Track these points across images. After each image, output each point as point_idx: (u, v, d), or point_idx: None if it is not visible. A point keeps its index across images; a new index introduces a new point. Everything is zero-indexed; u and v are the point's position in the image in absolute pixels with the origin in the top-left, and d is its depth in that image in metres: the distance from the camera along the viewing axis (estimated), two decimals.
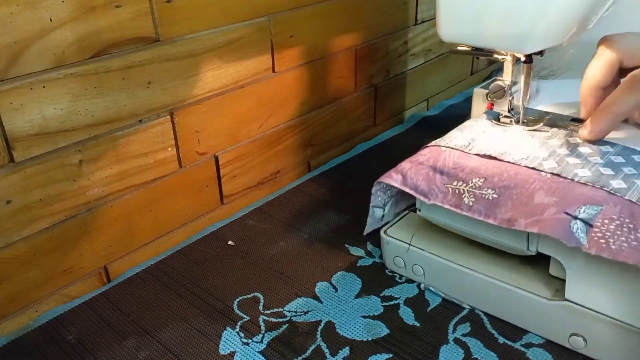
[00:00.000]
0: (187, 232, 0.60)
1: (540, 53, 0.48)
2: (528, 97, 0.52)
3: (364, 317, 0.47)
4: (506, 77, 0.51)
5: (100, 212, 0.52)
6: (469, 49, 0.49)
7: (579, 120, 0.51)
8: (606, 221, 0.39)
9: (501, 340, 0.44)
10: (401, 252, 0.50)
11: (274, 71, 0.64)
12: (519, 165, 0.44)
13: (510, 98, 0.51)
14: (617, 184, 0.41)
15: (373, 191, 0.50)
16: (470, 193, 0.43)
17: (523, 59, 0.48)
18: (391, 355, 0.43)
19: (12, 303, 0.48)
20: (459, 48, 0.49)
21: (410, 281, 0.50)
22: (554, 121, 0.51)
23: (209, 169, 0.61)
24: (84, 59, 0.47)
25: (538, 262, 0.44)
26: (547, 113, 0.53)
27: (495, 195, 0.42)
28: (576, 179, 0.42)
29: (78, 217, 0.50)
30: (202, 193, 0.61)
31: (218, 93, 0.59)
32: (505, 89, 0.51)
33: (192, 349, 0.44)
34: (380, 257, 0.53)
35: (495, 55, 0.50)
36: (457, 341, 0.44)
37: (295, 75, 0.67)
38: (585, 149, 0.46)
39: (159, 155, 0.55)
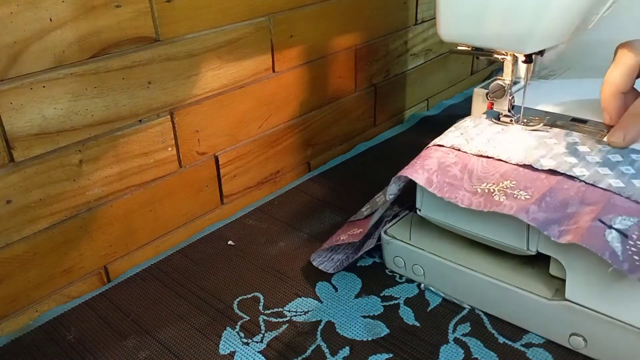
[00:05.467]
0: (187, 232, 0.60)
1: (541, 53, 0.48)
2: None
3: (364, 317, 0.47)
4: (506, 77, 0.51)
5: (100, 212, 0.52)
6: (469, 48, 0.49)
7: (579, 120, 0.51)
8: None
9: (501, 340, 0.44)
10: (401, 252, 0.50)
11: (274, 71, 0.64)
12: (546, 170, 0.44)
13: (510, 98, 0.51)
14: None
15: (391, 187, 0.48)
16: (501, 192, 0.42)
17: (523, 58, 0.48)
18: (391, 355, 0.43)
19: (12, 303, 0.48)
20: (459, 48, 0.49)
21: (410, 281, 0.50)
22: (554, 121, 0.51)
23: (209, 169, 0.61)
24: (84, 59, 0.47)
25: (538, 262, 0.44)
26: (547, 113, 0.53)
27: (528, 197, 0.41)
28: (611, 189, 0.40)
29: (78, 217, 0.50)
30: (202, 193, 0.61)
31: (218, 93, 0.59)
32: (505, 88, 0.51)
33: (192, 349, 0.44)
34: (381, 257, 0.53)
35: (495, 55, 0.50)
36: (457, 341, 0.44)
37: (295, 75, 0.67)
38: (614, 156, 0.45)
39: (159, 155, 0.55)
